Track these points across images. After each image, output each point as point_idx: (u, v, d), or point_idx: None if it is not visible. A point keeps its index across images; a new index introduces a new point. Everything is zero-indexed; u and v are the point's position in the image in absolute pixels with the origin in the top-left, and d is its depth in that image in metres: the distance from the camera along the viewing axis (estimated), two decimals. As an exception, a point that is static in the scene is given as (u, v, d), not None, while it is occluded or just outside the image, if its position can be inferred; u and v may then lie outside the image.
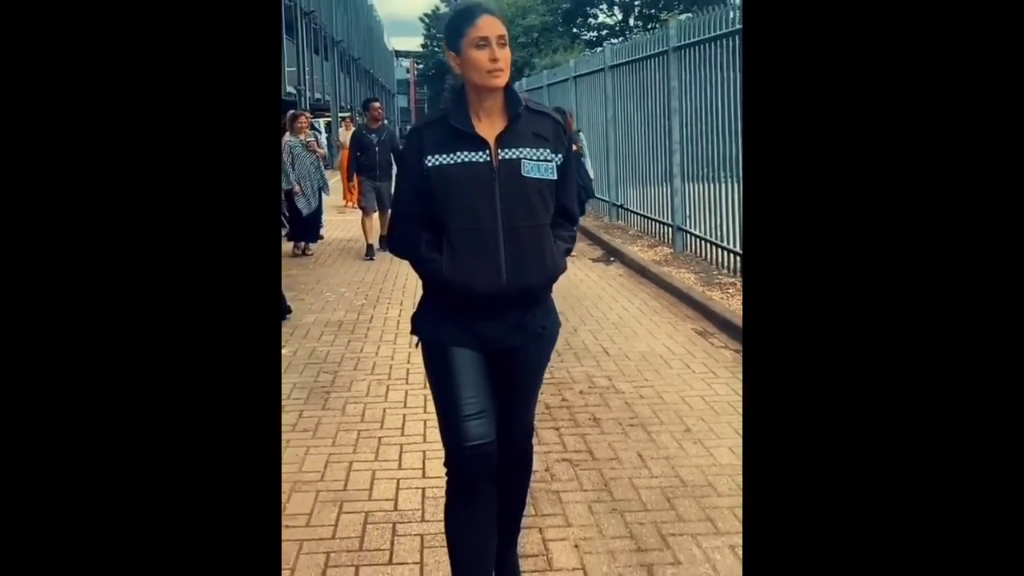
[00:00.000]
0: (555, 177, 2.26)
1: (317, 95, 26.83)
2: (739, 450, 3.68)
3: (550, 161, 2.25)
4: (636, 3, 39.46)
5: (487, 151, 2.20)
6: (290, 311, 6.50)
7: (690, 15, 25.75)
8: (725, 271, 7.52)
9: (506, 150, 2.21)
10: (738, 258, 7.27)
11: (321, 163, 9.76)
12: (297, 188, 9.30)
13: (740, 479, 3.36)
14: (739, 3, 7.16)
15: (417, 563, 2.77)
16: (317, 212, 9.83)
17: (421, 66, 56.50)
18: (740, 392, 4.47)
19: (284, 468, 3.57)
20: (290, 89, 21.43)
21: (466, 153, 2.19)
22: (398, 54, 67.67)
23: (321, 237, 10.48)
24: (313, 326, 6.23)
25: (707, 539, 2.89)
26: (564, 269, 2.34)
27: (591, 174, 9.65)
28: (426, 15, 53.19)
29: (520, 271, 2.19)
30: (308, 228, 9.78)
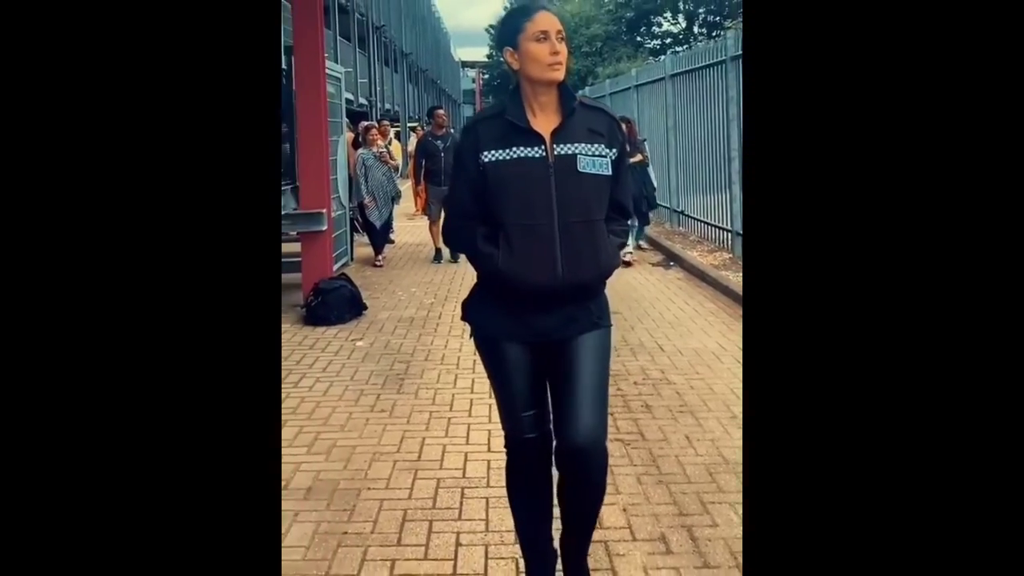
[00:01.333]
0: (610, 172, 2.27)
1: (387, 106, 27.57)
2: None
3: (605, 156, 2.26)
4: (700, 11, 39.48)
5: (543, 146, 2.22)
6: (366, 308, 6.95)
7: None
8: (780, 274, 7.74)
9: (562, 145, 2.22)
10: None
11: (393, 173, 9.96)
12: (369, 200, 9.43)
13: (779, 458, 3.66)
14: None
15: (483, 519, 3.15)
16: (388, 222, 10.04)
17: (487, 76, 57.14)
18: (786, 384, 4.74)
19: (364, 441, 4.00)
20: (362, 100, 22.14)
21: (522, 148, 2.21)
22: (464, 64, 68.50)
23: (392, 241, 10.87)
24: (387, 322, 6.67)
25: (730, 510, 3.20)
26: (618, 264, 2.38)
27: (655, 183, 9.93)
28: (491, 26, 53.83)
29: (575, 266, 2.21)
30: (380, 237, 9.90)
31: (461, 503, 3.31)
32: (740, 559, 2.79)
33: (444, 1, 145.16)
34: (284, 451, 3.87)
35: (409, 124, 27.67)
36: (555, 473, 2.38)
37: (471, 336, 2.40)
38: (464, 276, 8.61)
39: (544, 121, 2.24)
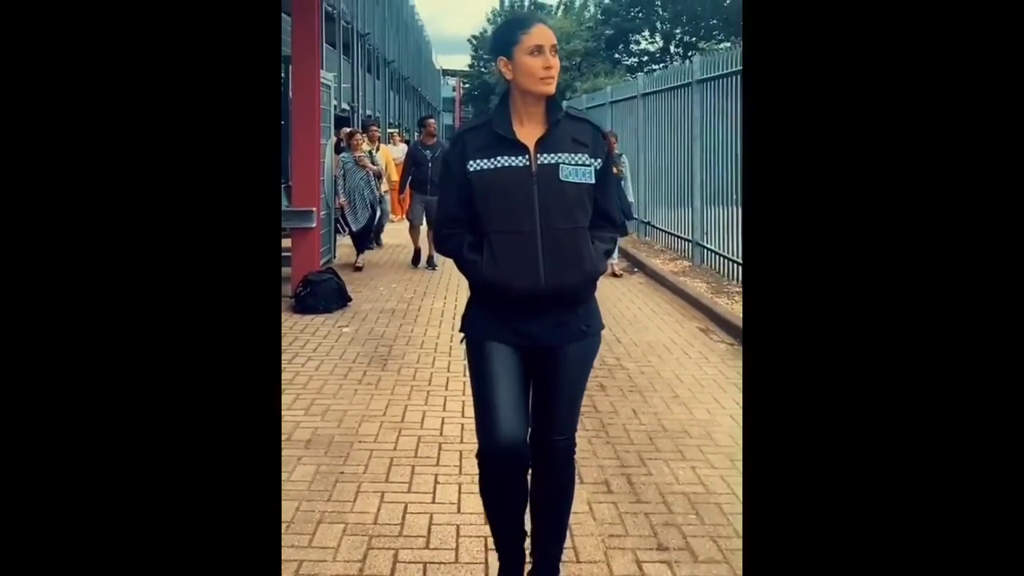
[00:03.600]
0: (593, 181, 2.31)
1: (368, 111, 28.12)
2: (715, 411, 4.62)
3: (588, 166, 2.29)
4: (676, 32, 40.49)
5: (527, 156, 2.26)
6: (351, 299, 7.54)
7: (728, 44, 26.51)
8: (734, 282, 8.43)
9: (545, 155, 2.26)
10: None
11: (373, 178, 9.91)
12: (343, 202, 9.57)
13: (712, 429, 4.31)
14: None
15: (457, 465, 3.76)
16: (367, 227, 10.05)
17: (467, 86, 57.72)
18: (726, 373, 5.41)
19: (354, 407, 4.59)
20: (344, 106, 22.67)
21: (506, 158, 2.26)
22: (445, 73, 69.02)
23: (380, 244, 11.33)
24: (370, 312, 7.26)
25: (676, 463, 3.84)
26: (604, 271, 2.41)
27: (631, 198, 10.46)
28: (474, 37, 54.56)
29: (558, 272, 2.24)
30: (361, 241, 10.01)
31: (439, 454, 3.92)
32: (667, 499, 3.43)
33: (426, 8, 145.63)
34: (283, 413, 4.45)
35: (388, 130, 28.21)
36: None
37: (461, 342, 2.44)
38: (442, 273, 9.21)
39: (530, 131, 2.30)
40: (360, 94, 25.96)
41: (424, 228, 9.66)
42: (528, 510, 2.49)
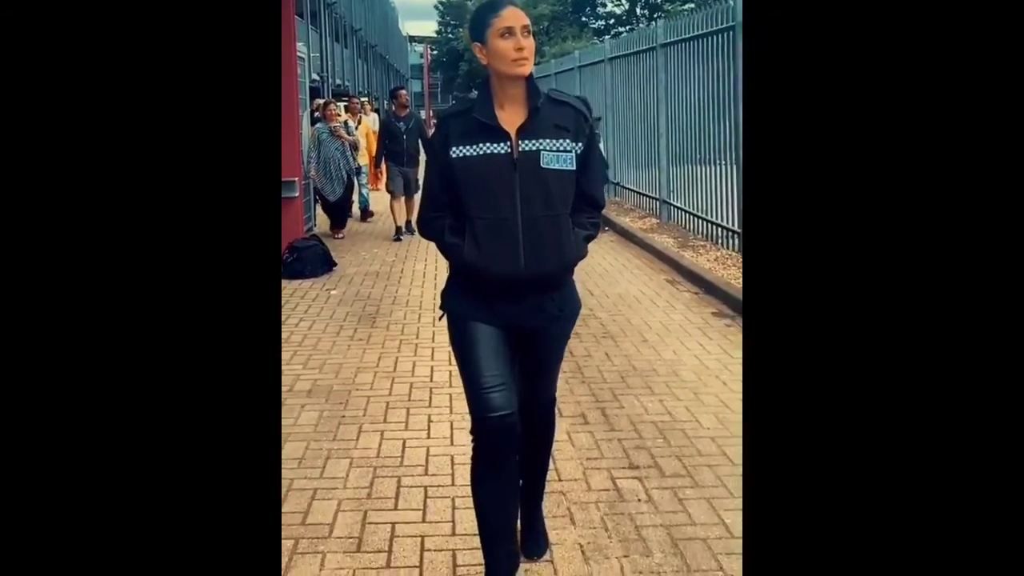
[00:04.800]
0: (574, 167, 2.31)
1: (338, 81, 28.13)
2: (680, 352, 5.04)
3: (569, 152, 2.30)
4: (643, -7, 40.65)
5: (508, 143, 2.27)
6: (335, 264, 7.86)
7: (693, 6, 26.75)
8: (699, 237, 8.84)
9: (526, 141, 2.27)
10: (710, 225, 8.59)
11: (348, 149, 9.85)
12: (315, 174, 9.43)
13: (677, 367, 4.73)
14: (736, 0, 8.04)
15: (447, 407, 4.15)
16: (345, 197, 10.00)
17: (435, 52, 57.43)
18: (691, 319, 5.83)
19: (348, 360, 4.96)
20: (314, 76, 22.74)
21: (488, 145, 2.27)
22: (412, 39, 68.49)
23: (372, 214, 11.34)
24: (355, 275, 7.60)
25: (645, 397, 4.26)
26: (583, 255, 2.42)
27: (606, 160, 10.72)
28: (441, 2, 54.23)
29: (537, 259, 2.27)
30: (338, 211, 10.01)
31: (430, 397, 4.31)
32: (637, 427, 3.84)
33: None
34: (284, 368, 4.81)
35: (360, 99, 28.24)
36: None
37: (441, 318, 2.51)
38: (422, 240, 9.54)
39: (511, 116, 2.31)
40: (329, 64, 25.99)
41: (404, 199, 9.70)
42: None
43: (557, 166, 2.28)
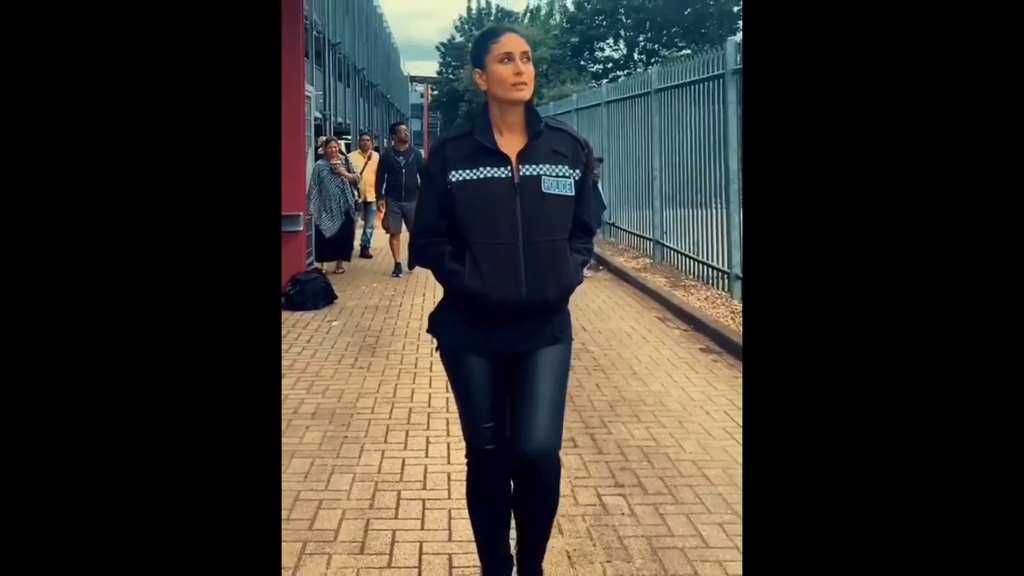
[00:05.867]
0: (573, 193, 2.33)
1: (339, 119, 28.61)
2: (668, 384, 5.29)
3: (568, 177, 2.31)
4: (639, 39, 41.46)
5: (508, 167, 2.27)
6: (336, 297, 8.12)
7: (689, 52, 27.30)
8: (690, 277, 9.13)
9: (527, 166, 2.28)
10: (701, 265, 8.89)
11: (348, 186, 9.96)
12: (312, 209, 9.44)
13: (664, 398, 4.98)
14: (727, 49, 8.43)
15: (445, 431, 4.39)
16: (345, 232, 10.08)
17: (436, 92, 58.23)
18: (679, 353, 6.08)
19: (350, 386, 5.20)
20: (317, 113, 23.19)
21: (488, 169, 2.27)
22: (413, 79, 69.38)
23: (371, 256, 11.37)
24: (355, 308, 7.86)
25: (632, 424, 4.50)
26: (580, 281, 2.43)
27: (605, 201, 10.93)
28: (442, 44, 55.18)
29: (538, 284, 2.27)
30: (339, 247, 10.09)
31: (428, 420, 4.55)
32: (624, 451, 4.07)
33: (392, 13, 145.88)
34: (288, 392, 5.05)
35: (360, 137, 28.67)
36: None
37: (436, 349, 2.47)
38: (422, 272, 9.81)
39: (511, 141, 2.31)
40: (332, 102, 26.48)
41: (404, 236, 9.74)
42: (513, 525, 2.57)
43: (558, 191, 2.29)
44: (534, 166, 2.29)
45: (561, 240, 2.34)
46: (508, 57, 2.26)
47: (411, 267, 9.57)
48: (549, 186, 2.29)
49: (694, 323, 6.99)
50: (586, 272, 9.97)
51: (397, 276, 9.79)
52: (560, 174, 2.31)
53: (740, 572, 2.87)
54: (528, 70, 2.28)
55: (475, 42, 2.37)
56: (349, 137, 30.13)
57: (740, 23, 38.70)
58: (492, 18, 53.48)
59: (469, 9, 51.82)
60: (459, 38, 51.69)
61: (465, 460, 2.54)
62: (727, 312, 7.16)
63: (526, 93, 2.28)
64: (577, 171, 2.35)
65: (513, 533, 2.60)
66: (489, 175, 2.28)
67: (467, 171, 2.29)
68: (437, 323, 2.46)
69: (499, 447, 2.39)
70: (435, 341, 2.47)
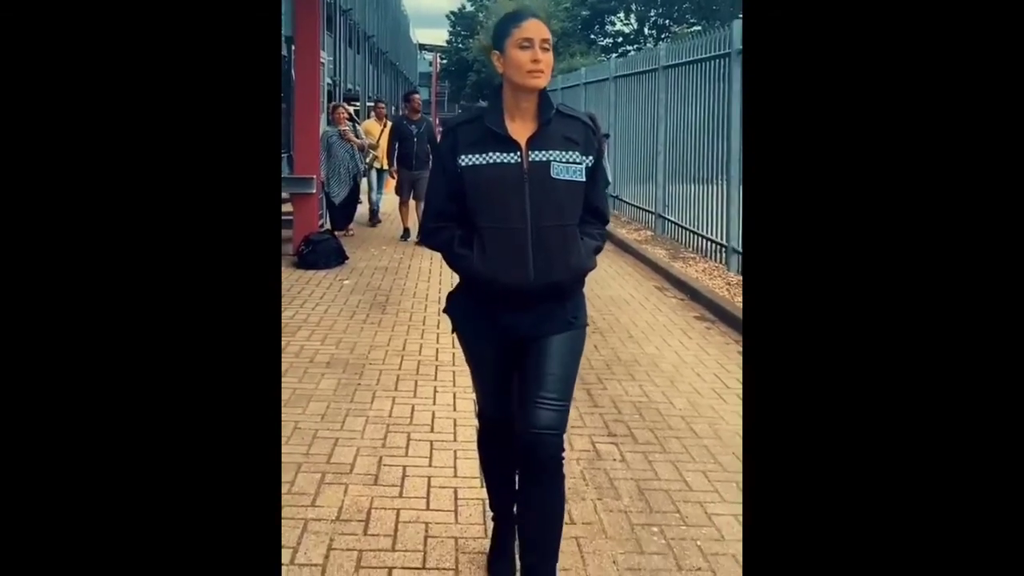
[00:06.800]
0: (583, 179, 2.31)
1: (349, 85, 28.73)
2: (662, 347, 5.57)
3: (579, 164, 2.30)
4: (651, 14, 41.39)
5: (518, 152, 2.27)
6: (347, 257, 8.40)
7: (699, 28, 27.26)
8: (689, 249, 9.40)
9: (537, 152, 2.27)
10: (700, 238, 9.15)
11: (357, 151, 10.03)
12: (321, 175, 9.40)
13: (658, 359, 5.27)
14: (732, 29, 8.67)
15: (451, 381, 4.68)
16: (352, 198, 10.21)
17: (444, 61, 58.06)
18: (675, 320, 6.37)
19: (362, 339, 5.49)
20: (328, 80, 23.33)
21: (498, 154, 2.27)
22: (422, 47, 69.01)
23: (380, 221, 11.43)
24: (366, 269, 8.14)
25: (626, 382, 4.79)
26: (592, 267, 2.40)
27: (609, 176, 11.19)
28: (452, 13, 54.95)
29: (547, 268, 2.26)
30: (349, 213, 10.25)
31: (436, 372, 4.85)
32: (618, 405, 4.37)
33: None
34: (304, 343, 5.35)
35: (368, 104, 28.82)
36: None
37: (453, 330, 2.50)
38: (426, 240, 10.06)
39: (521, 127, 2.31)
40: (342, 68, 26.59)
41: (412, 203, 9.94)
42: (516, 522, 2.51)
43: (567, 177, 2.28)
44: (544, 152, 2.29)
45: (572, 225, 2.33)
46: (528, 43, 2.26)
47: (426, 245, 9.42)
48: (559, 172, 2.28)
49: (691, 292, 7.27)
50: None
51: (405, 240, 10.02)
52: (571, 160, 2.30)
53: (719, 512, 3.17)
54: (547, 58, 2.27)
55: (497, 24, 2.37)
56: (358, 103, 30.30)
57: (752, 1, 38.51)
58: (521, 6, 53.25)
59: (479, -22, 51.59)
60: (469, 7, 51.50)
61: (476, 419, 2.65)
62: (723, 283, 7.43)
63: (542, 81, 2.28)
64: (589, 158, 2.34)
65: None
66: (498, 160, 2.28)
67: (476, 156, 2.29)
68: (451, 305, 2.48)
69: (507, 418, 2.44)
70: (454, 328, 2.49)
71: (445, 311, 2.50)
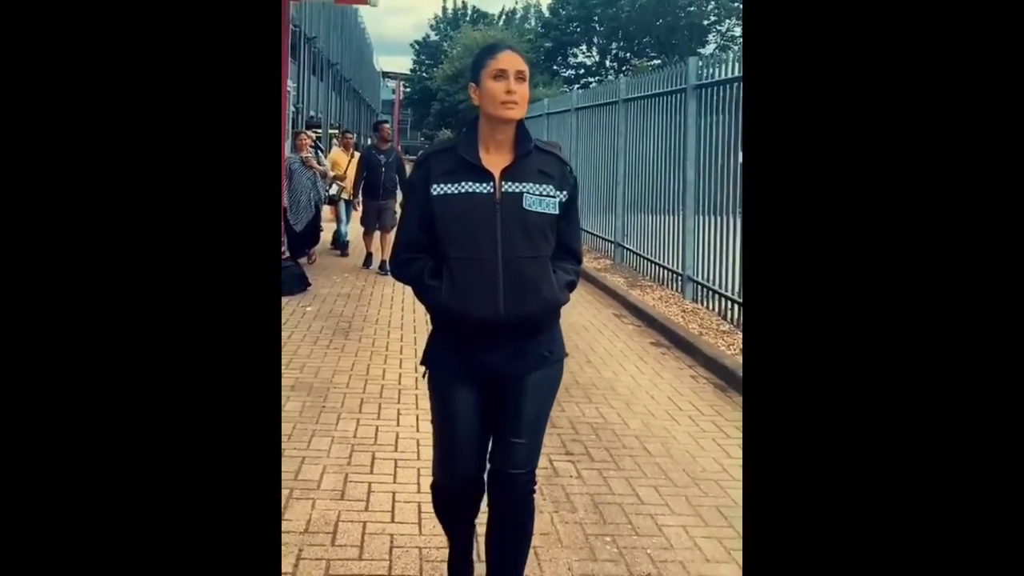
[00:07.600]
0: (556, 212, 2.30)
1: (312, 112, 28.85)
2: (619, 372, 5.77)
3: (553, 197, 2.29)
4: (612, 47, 42.18)
5: (491, 183, 2.26)
6: (310, 284, 8.51)
7: (659, 62, 27.89)
8: (647, 278, 9.65)
9: (510, 183, 2.26)
10: (657, 267, 9.41)
11: (319, 178, 10.01)
12: (285, 204, 9.35)
13: (615, 383, 5.46)
14: (688, 65, 9.00)
15: (414, 405, 4.83)
16: (313, 225, 10.11)
17: (408, 89, 58.38)
18: (631, 346, 6.58)
19: (326, 364, 5.62)
20: (291, 108, 23.44)
21: (470, 184, 2.26)
22: (385, 75, 69.31)
23: (346, 243, 11.26)
24: (328, 296, 8.26)
25: (583, 404, 4.97)
26: (565, 301, 2.36)
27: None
28: (416, 41, 55.43)
29: (518, 300, 2.22)
30: (304, 240, 10.09)
31: (399, 395, 4.99)
32: (575, 426, 4.54)
33: (368, 9, 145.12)
34: (269, 367, 5.45)
35: (330, 131, 28.95)
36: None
37: (424, 376, 2.45)
38: (390, 266, 10.19)
39: (496, 158, 2.30)
40: (305, 96, 26.73)
41: (377, 233, 10.01)
42: (484, 547, 2.51)
43: (540, 209, 2.27)
44: (517, 184, 2.28)
45: (544, 257, 2.30)
46: (502, 74, 2.26)
47: (395, 277, 9.49)
48: (531, 203, 2.27)
49: (647, 320, 7.50)
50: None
51: (367, 268, 10.09)
52: (544, 193, 2.29)
53: (669, 523, 3.36)
54: (521, 90, 2.27)
55: (475, 56, 2.39)
56: (320, 130, 30.37)
57: (709, 36, 39.55)
58: (468, 19, 53.89)
59: (444, 9, 52.17)
60: (434, 37, 51.99)
61: (431, 488, 2.49)
62: (678, 311, 7.68)
63: (516, 112, 2.27)
64: (563, 192, 2.33)
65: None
66: (470, 189, 2.27)
67: (448, 185, 2.28)
68: (427, 352, 2.43)
69: (471, 483, 2.38)
70: (426, 373, 2.43)
71: (422, 363, 2.45)
